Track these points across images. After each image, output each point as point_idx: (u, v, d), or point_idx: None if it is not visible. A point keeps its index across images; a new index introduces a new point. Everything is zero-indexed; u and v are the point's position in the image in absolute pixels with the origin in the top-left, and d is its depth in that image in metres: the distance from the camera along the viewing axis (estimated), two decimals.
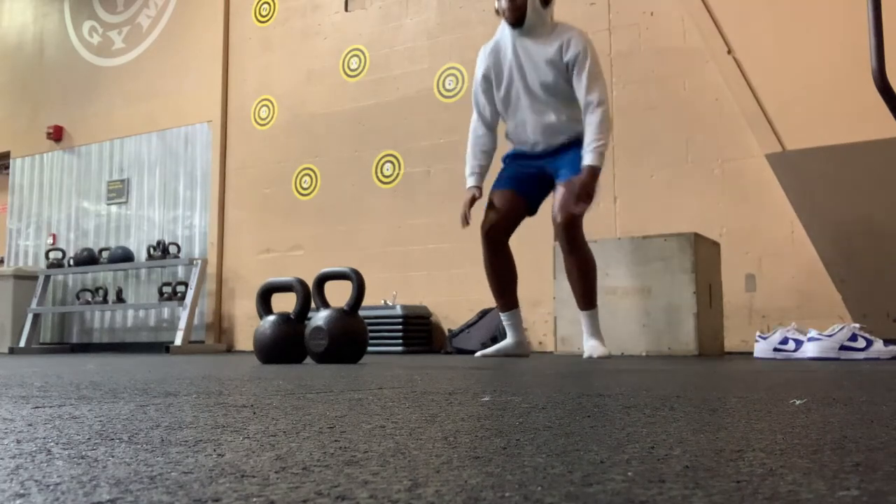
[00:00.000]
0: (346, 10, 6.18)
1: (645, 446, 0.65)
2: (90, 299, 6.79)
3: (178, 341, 5.99)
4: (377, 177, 5.83)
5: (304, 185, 6.16)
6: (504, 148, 3.71)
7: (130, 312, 6.97)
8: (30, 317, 6.87)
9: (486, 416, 0.92)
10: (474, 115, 3.70)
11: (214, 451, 0.63)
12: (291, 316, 3.19)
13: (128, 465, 0.56)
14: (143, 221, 7.01)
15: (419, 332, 5.28)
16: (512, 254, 3.58)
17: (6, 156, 8.08)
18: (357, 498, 0.44)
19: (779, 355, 3.44)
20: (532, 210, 3.63)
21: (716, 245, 4.14)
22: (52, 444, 0.68)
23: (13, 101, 8.07)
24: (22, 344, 6.76)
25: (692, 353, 3.65)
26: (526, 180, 3.56)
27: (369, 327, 4.77)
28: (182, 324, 6.06)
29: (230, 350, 6.36)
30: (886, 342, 3.26)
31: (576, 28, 3.52)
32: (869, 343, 3.24)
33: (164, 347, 5.94)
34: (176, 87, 6.94)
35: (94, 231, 7.30)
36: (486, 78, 3.61)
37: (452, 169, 5.46)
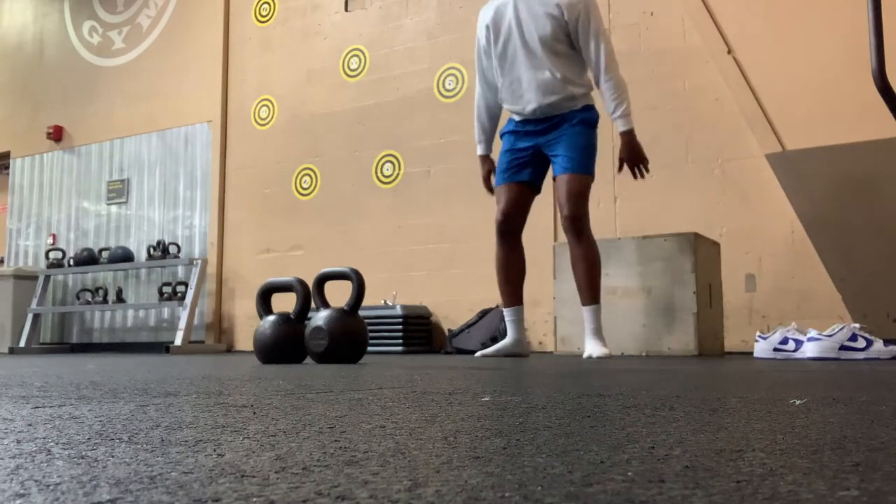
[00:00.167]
0: (346, 10, 6.18)
1: (645, 446, 0.65)
2: (90, 299, 6.79)
3: (178, 341, 5.99)
4: (377, 177, 5.83)
5: (304, 185, 6.16)
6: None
7: (130, 312, 6.97)
8: (30, 317, 6.87)
9: (486, 416, 0.92)
10: (478, 81, 3.74)
11: (214, 451, 0.63)
12: (291, 316, 3.19)
13: (128, 465, 0.56)
14: (143, 221, 7.01)
15: (419, 332, 5.28)
16: (523, 250, 3.60)
17: (6, 156, 8.08)
18: (357, 498, 0.44)
19: (779, 355, 3.44)
20: (538, 188, 3.66)
21: (716, 245, 4.14)
22: (52, 444, 0.68)
23: (13, 101, 8.07)
24: (22, 344, 6.76)
25: (692, 353, 3.65)
26: (524, 167, 3.57)
27: (369, 327, 4.76)
28: (182, 324, 6.06)
29: (230, 350, 6.36)
30: (886, 342, 3.26)
31: None
32: (869, 343, 3.24)
33: (164, 347, 5.94)
34: (176, 87, 6.94)
35: (94, 231, 7.30)
36: (485, 41, 3.63)
37: (452, 169, 5.46)
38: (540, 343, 5.03)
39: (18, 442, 0.70)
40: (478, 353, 3.65)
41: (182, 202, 6.80)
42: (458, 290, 5.35)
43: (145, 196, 7.03)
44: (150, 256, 6.58)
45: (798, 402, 1.05)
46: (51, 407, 1.06)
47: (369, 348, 5.06)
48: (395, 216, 5.69)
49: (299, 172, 6.19)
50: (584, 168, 3.43)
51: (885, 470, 0.52)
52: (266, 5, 6.58)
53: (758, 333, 3.58)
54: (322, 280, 3.21)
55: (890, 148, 3.74)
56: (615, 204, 4.83)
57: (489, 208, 4.54)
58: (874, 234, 3.86)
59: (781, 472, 0.52)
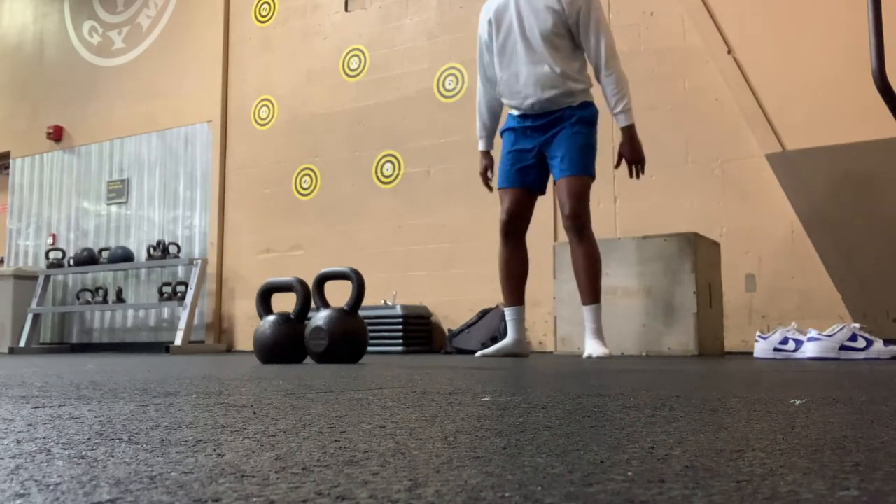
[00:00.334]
0: (346, 10, 6.18)
1: (645, 446, 0.65)
2: (90, 299, 6.79)
3: (178, 341, 5.99)
4: (377, 177, 5.83)
5: (304, 185, 6.16)
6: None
7: (130, 312, 6.97)
8: (30, 317, 6.87)
9: (486, 416, 0.92)
10: (479, 77, 3.75)
11: (214, 451, 0.63)
12: (291, 316, 3.19)
13: (128, 465, 0.56)
14: (143, 221, 7.01)
15: (419, 332, 5.28)
16: (527, 251, 3.61)
17: (6, 156, 8.08)
18: (357, 498, 0.44)
19: (779, 355, 3.44)
20: (541, 191, 3.67)
21: (716, 245, 4.14)
22: (52, 444, 0.68)
23: (13, 101, 8.07)
24: (22, 344, 6.76)
25: (692, 353, 3.65)
26: (526, 170, 3.58)
27: (369, 327, 4.77)
28: (182, 324, 6.06)
29: (230, 350, 6.36)
30: (886, 342, 3.26)
31: None
32: (869, 343, 3.24)
33: (164, 347, 5.94)
34: (176, 87, 6.94)
35: (94, 231, 7.30)
36: (486, 36, 3.64)
37: (452, 169, 5.46)
38: (540, 343, 5.03)
39: (18, 442, 0.70)
40: (478, 353, 3.65)
41: (182, 202, 6.80)
42: (458, 290, 5.35)
43: (145, 196, 7.03)
44: (150, 256, 6.58)
45: (798, 402, 1.05)
46: (51, 407, 1.06)
47: (369, 348, 5.06)
48: (395, 216, 5.69)
49: (299, 172, 6.19)
50: (583, 169, 3.43)
51: (885, 470, 0.52)
52: (266, 5, 6.58)
53: (758, 333, 3.58)
54: (322, 280, 3.21)
55: (890, 148, 3.74)
56: (615, 204, 4.83)
57: (489, 208, 4.55)
58: (874, 234, 3.87)
59: (781, 472, 0.52)
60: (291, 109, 6.31)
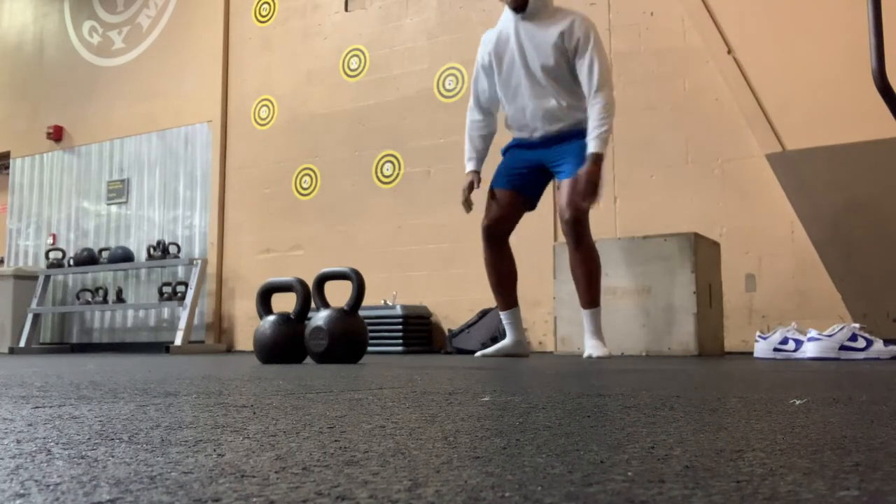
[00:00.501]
0: (346, 10, 6.18)
1: (645, 446, 0.65)
2: (90, 299, 6.79)
3: (178, 341, 5.99)
4: (377, 177, 5.83)
5: (304, 185, 6.16)
6: (503, 139, 3.70)
7: (130, 312, 6.97)
8: (30, 317, 6.87)
9: (486, 416, 0.92)
10: (471, 101, 3.70)
11: (214, 451, 0.63)
12: (291, 316, 3.19)
13: (128, 465, 0.56)
14: (143, 221, 7.01)
15: (419, 332, 5.28)
16: (512, 252, 3.59)
17: (6, 156, 8.08)
18: (357, 498, 0.44)
19: (779, 355, 3.44)
20: (531, 205, 3.64)
21: (716, 245, 4.14)
22: (52, 444, 0.68)
23: (13, 101, 8.07)
24: (22, 344, 6.76)
25: (692, 353, 3.65)
26: (524, 176, 3.56)
27: (369, 327, 4.77)
28: (182, 324, 6.06)
29: (230, 350, 6.36)
30: (886, 342, 3.26)
31: (579, 12, 3.51)
32: (869, 343, 3.24)
33: (164, 347, 5.94)
34: (176, 87, 6.94)
35: (94, 231, 7.30)
36: (487, 63, 3.61)
37: (452, 169, 5.46)
38: (540, 343, 5.03)
39: (18, 442, 0.70)
40: (478, 353, 3.65)
41: (182, 202, 6.80)
42: (458, 290, 5.35)
43: (145, 196, 7.03)
44: (150, 256, 6.58)
45: (798, 402, 1.05)
46: (51, 407, 1.06)
47: (369, 348, 5.06)
48: (395, 216, 5.69)
49: (299, 172, 6.19)
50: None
51: (885, 470, 0.52)
52: (266, 5, 6.58)
53: (758, 333, 3.58)
54: (322, 280, 3.21)
55: (890, 148, 3.74)
56: (615, 204, 4.83)
57: None
58: (874, 233, 3.87)
59: (781, 472, 0.52)
60: (291, 109, 6.31)
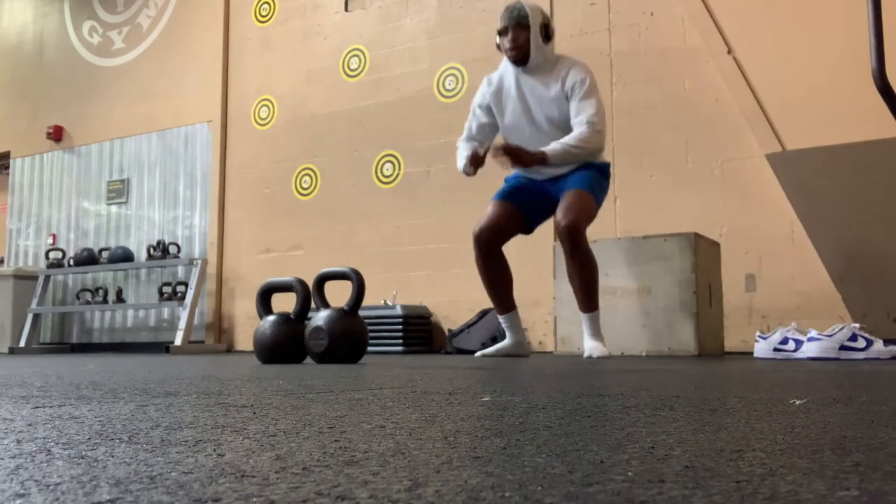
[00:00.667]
0: (346, 10, 6.18)
1: (645, 446, 0.65)
2: (90, 299, 6.79)
3: (178, 341, 5.99)
4: (377, 177, 5.83)
5: (304, 185, 6.16)
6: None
7: (130, 312, 6.97)
8: (30, 317, 6.87)
9: (486, 416, 0.92)
10: (464, 135, 3.64)
11: (214, 451, 0.63)
12: (291, 316, 3.19)
13: (128, 465, 0.56)
14: (143, 221, 7.01)
15: (419, 332, 5.28)
16: (505, 258, 3.56)
17: (6, 156, 8.08)
18: (357, 498, 0.44)
19: (779, 355, 3.44)
20: (528, 228, 3.60)
21: (716, 245, 4.14)
22: (52, 444, 0.68)
23: (13, 101, 8.07)
24: (22, 344, 6.76)
25: (692, 353, 3.65)
26: (528, 195, 3.53)
27: (369, 327, 4.77)
28: (182, 324, 6.06)
29: (230, 350, 6.36)
30: (886, 342, 3.26)
31: (579, 61, 3.50)
32: (869, 343, 3.24)
33: (164, 347, 5.94)
34: (176, 87, 6.94)
35: (94, 231, 7.30)
36: (486, 105, 3.58)
37: (452, 169, 5.43)
38: (540, 343, 5.03)
39: (18, 442, 0.70)
40: (478, 353, 3.65)
41: (182, 202, 6.80)
42: (458, 290, 5.35)
43: (145, 196, 7.03)
44: (150, 256, 6.58)
45: (798, 402, 1.05)
46: (51, 407, 1.06)
47: (369, 348, 5.06)
48: (395, 216, 5.69)
49: (299, 172, 6.19)
50: (591, 189, 3.40)
51: (885, 470, 0.52)
52: (266, 5, 6.58)
53: (758, 333, 3.58)
54: (322, 280, 3.21)
55: (890, 148, 3.74)
56: (615, 204, 4.83)
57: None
58: (874, 233, 3.87)
59: (781, 472, 0.52)
60: (291, 109, 6.31)
